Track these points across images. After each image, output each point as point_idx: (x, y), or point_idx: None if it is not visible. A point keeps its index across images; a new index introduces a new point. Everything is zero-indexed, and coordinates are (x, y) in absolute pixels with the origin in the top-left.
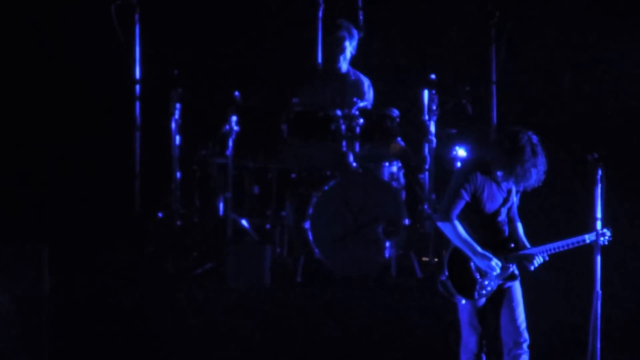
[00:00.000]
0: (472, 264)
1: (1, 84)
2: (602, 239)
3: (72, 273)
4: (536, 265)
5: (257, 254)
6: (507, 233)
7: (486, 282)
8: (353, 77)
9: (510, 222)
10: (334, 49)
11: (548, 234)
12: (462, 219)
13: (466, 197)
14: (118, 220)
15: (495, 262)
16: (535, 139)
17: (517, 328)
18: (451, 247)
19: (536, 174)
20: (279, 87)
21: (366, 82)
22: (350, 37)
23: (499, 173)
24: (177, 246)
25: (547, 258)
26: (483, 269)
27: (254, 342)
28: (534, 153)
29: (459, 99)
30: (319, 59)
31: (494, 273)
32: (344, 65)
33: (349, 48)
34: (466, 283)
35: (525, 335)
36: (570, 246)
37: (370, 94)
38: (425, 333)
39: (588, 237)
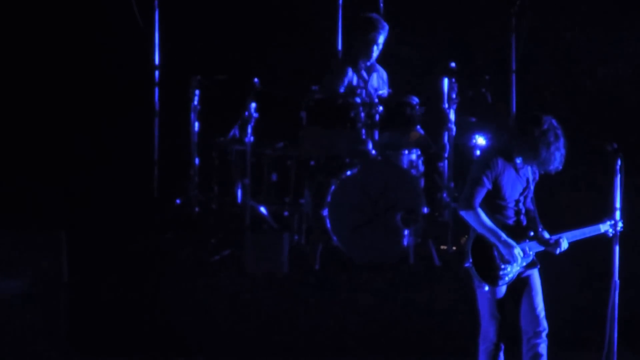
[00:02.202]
0: (495, 251)
1: (20, 70)
2: (611, 229)
3: (90, 259)
4: (562, 249)
5: (275, 241)
6: (526, 221)
7: (508, 269)
8: (377, 70)
9: (528, 210)
10: (369, 47)
11: (566, 223)
12: (484, 207)
13: (488, 184)
14: (136, 206)
15: (519, 250)
16: (555, 122)
17: (536, 317)
18: (474, 234)
19: (559, 157)
20: (298, 74)
21: (385, 75)
22: (384, 33)
23: (518, 160)
24: (195, 233)
25: (566, 246)
26: (506, 256)
27: (272, 329)
28: (557, 136)
29: (479, 88)
30: (339, 47)
31: (517, 260)
32: (373, 57)
33: (381, 41)
34: (489, 270)
35: (544, 324)
36: (587, 235)
37: (386, 86)
38: (444, 321)
39: (602, 227)
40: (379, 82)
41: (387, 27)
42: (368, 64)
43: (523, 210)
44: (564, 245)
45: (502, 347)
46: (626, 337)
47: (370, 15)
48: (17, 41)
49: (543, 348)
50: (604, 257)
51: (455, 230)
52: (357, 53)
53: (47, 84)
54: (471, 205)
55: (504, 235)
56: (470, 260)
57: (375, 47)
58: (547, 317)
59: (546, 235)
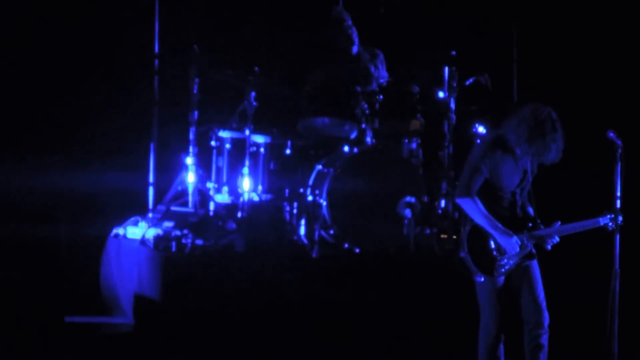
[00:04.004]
0: (491, 241)
1: (19, 61)
2: (611, 223)
3: (86, 247)
4: (553, 243)
5: (274, 229)
6: (523, 212)
7: (505, 260)
8: (368, 55)
9: (525, 202)
10: (347, 39)
11: (566, 214)
12: (480, 196)
13: (485, 172)
14: (133, 196)
15: (516, 240)
16: (554, 114)
17: (537, 307)
18: (470, 224)
19: (555, 149)
20: (298, 63)
21: (380, 55)
22: (349, 19)
23: (517, 150)
24: (194, 222)
25: (557, 239)
26: (503, 246)
27: (269, 317)
28: (554, 128)
29: (480, 76)
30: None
31: (514, 251)
32: (355, 47)
33: (354, 30)
34: (485, 260)
35: (546, 314)
36: (585, 228)
37: (384, 66)
38: (444, 310)
39: (602, 220)
40: (371, 67)
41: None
42: (354, 52)
43: (520, 202)
44: (554, 240)
45: (503, 338)
46: (627, 326)
47: (335, 8)
48: (16, 33)
49: (545, 339)
50: (604, 247)
51: (455, 218)
52: (342, 46)
53: (45, 75)
54: (469, 193)
55: (500, 225)
56: (466, 250)
57: (353, 38)
58: (548, 307)
59: (543, 227)
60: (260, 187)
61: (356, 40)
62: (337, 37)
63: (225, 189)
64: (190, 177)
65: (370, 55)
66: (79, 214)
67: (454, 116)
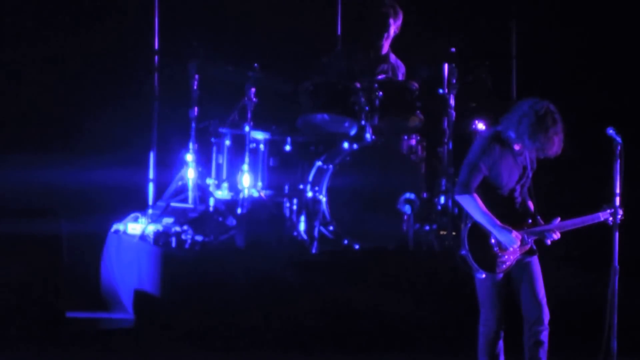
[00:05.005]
0: (491, 238)
1: (18, 57)
2: (611, 217)
3: (87, 243)
4: (553, 240)
5: (274, 225)
6: (523, 208)
7: (505, 257)
8: (394, 61)
9: (525, 198)
10: (377, 27)
11: (565, 210)
12: (480, 193)
13: (484, 170)
14: (133, 192)
15: (515, 235)
16: (553, 107)
17: (538, 303)
18: (470, 221)
19: (558, 142)
20: (298, 59)
21: (403, 68)
22: (396, 16)
23: (516, 147)
24: (194, 218)
25: (559, 236)
26: (503, 242)
27: (269, 312)
28: (554, 120)
29: (479, 73)
30: (339, 32)
31: (514, 247)
32: (385, 45)
33: (393, 27)
34: (486, 257)
35: (546, 310)
36: (585, 223)
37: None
38: (443, 306)
39: (602, 215)
40: (390, 72)
41: (400, 14)
42: (383, 51)
43: (519, 199)
44: (556, 236)
45: (502, 334)
46: (625, 323)
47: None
48: (16, 30)
49: (545, 335)
50: (603, 243)
51: (455, 215)
52: (363, 37)
53: (45, 72)
54: (468, 190)
55: (499, 222)
56: (466, 247)
57: (383, 29)
58: (548, 304)
59: (543, 223)
60: (260, 184)
61: (387, 37)
62: (372, 25)
63: (225, 185)
64: (190, 173)
65: (395, 63)
66: (79, 209)
67: (453, 113)
